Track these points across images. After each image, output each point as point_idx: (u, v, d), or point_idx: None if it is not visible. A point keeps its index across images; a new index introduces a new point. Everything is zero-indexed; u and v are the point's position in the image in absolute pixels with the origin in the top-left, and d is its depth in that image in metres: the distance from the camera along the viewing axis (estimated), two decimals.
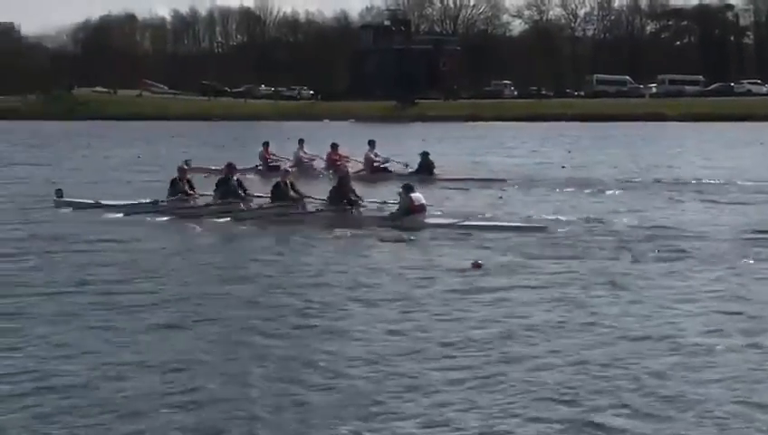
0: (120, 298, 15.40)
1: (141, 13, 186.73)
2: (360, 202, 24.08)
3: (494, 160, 46.41)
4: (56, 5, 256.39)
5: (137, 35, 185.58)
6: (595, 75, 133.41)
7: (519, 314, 14.09)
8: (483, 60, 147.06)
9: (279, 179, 25.29)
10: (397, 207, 23.15)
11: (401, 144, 56.43)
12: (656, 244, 20.09)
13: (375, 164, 36.35)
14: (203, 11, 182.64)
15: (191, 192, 26.05)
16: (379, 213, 23.72)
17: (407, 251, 20.04)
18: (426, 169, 35.01)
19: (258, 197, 25.89)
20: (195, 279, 17.21)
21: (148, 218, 24.56)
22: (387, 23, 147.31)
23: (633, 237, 20.90)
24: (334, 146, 37.96)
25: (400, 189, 23.47)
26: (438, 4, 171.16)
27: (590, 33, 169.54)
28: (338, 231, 22.39)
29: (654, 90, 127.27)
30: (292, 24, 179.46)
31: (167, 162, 36.38)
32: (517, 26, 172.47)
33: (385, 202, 24.46)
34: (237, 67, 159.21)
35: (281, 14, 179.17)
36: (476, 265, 17.61)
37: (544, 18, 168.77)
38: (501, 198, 29.56)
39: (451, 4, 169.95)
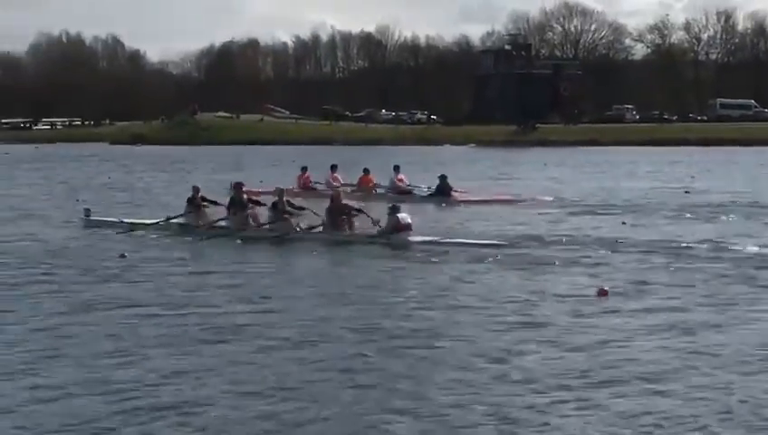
0: (210, 320, 15.64)
1: (264, 38, 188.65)
2: (353, 220, 25.71)
3: (613, 185, 45.96)
4: (180, 32, 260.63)
5: (259, 61, 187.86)
6: (718, 99, 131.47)
7: (627, 342, 13.90)
8: (604, 84, 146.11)
9: (276, 199, 26.56)
10: (383, 226, 24.79)
11: (521, 168, 56.28)
12: None
13: (401, 186, 38.24)
14: (324, 36, 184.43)
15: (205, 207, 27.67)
16: (370, 231, 25.07)
17: (514, 277, 19.86)
18: (443, 191, 36.71)
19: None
20: (295, 301, 17.30)
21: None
22: (508, 47, 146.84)
23: (755, 264, 20.60)
24: (366, 171, 39.63)
25: (388, 210, 25.12)
26: (559, 29, 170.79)
27: (713, 56, 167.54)
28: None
29: None
30: (412, 48, 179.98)
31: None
32: (639, 50, 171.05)
33: (378, 220, 25.17)
34: (358, 91, 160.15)
35: (401, 38, 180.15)
36: (603, 293, 17.36)
37: (667, 42, 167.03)
38: (624, 223, 29.30)
39: (572, 29, 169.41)
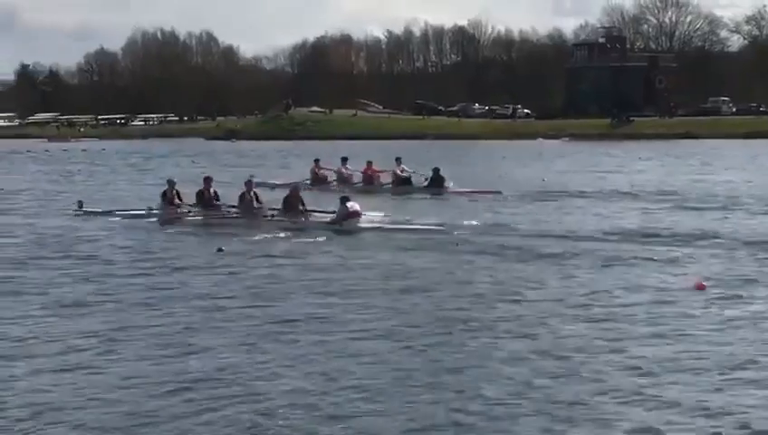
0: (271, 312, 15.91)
1: (356, 33, 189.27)
2: (306, 210, 28.21)
3: (709, 178, 45.45)
4: (274, 27, 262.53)
5: (352, 56, 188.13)
6: None
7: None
8: (700, 76, 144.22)
9: (244, 191, 28.89)
10: (335, 213, 27.45)
11: (615, 162, 55.83)
12: None
13: (402, 176, 40.21)
14: (417, 31, 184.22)
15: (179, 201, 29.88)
16: (323, 219, 27.70)
17: (614, 271, 19.72)
18: (436, 182, 38.61)
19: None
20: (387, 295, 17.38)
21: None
22: (602, 40, 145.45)
23: None
24: (369, 163, 41.45)
25: (340, 200, 27.90)
26: (654, 21, 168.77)
27: None
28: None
29: None
30: (505, 42, 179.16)
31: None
32: (735, 42, 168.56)
33: (324, 211, 28.15)
34: (451, 86, 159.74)
35: (494, 32, 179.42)
36: (700, 286, 17.19)
37: (764, 33, 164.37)
38: (726, 217, 28.97)
39: (667, 21, 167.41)
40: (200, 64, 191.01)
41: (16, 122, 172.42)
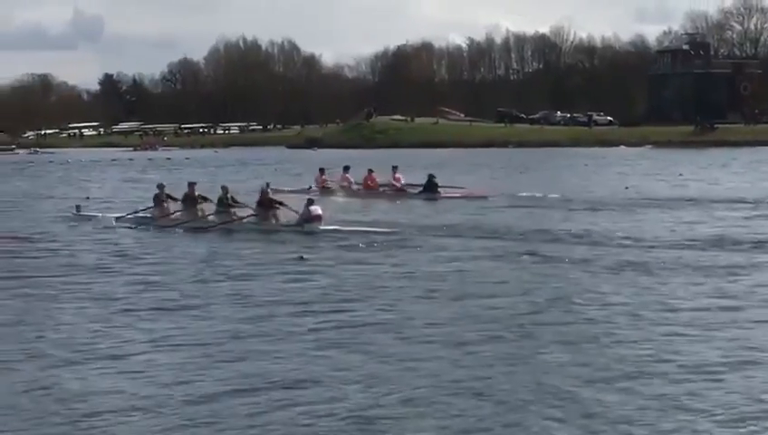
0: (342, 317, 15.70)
1: (438, 41, 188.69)
2: (277, 212, 29.82)
3: None
4: (356, 36, 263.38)
5: (433, 63, 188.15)
6: None
7: None
8: None
9: (221, 194, 30.73)
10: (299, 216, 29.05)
11: (699, 169, 55.19)
12: None
13: (397, 184, 42.29)
14: (498, 38, 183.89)
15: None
16: (287, 220, 29.40)
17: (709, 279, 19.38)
18: (431, 188, 40.62)
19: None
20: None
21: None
22: (686, 47, 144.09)
23: None
24: (370, 171, 43.41)
25: (305, 202, 29.46)
26: (738, 27, 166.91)
27: None
28: None
29: None
30: (588, 49, 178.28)
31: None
32: None
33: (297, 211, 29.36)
34: (532, 93, 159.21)
35: (576, 39, 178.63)
36: None
37: None
38: None
39: (752, 27, 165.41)
40: (282, 73, 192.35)
41: (101, 131, 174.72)
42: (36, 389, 12.07)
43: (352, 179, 43.74)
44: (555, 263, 21.66)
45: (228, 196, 30.82)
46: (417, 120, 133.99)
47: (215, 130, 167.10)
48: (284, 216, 29.70)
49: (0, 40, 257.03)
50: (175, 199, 31.93)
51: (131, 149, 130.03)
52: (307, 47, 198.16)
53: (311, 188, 42.56)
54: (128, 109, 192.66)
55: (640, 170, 59.52)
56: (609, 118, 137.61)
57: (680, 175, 53.69)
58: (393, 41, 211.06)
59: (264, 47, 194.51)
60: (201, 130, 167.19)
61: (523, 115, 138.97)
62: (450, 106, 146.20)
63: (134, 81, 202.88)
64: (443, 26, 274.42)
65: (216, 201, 30.82)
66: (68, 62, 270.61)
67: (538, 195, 40.29)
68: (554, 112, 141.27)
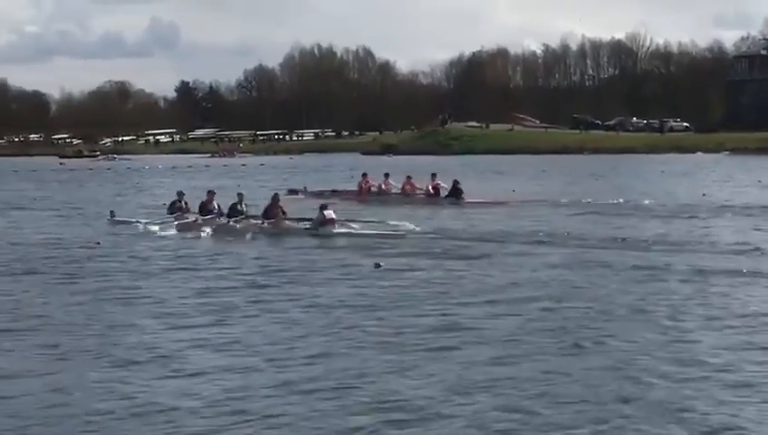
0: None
1: (513, 47, 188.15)
2: (285, 216, 31.37)
3: None
4: (430, 42, 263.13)
5: (508, 70, 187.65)
6: None
7: None
8: None
9: (235, 201, 32.34)
10: (312, 220, 30.52)
11: None
12: None
13: (429, 190, 44.17)
14: (574, 44, 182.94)
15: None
16: (301, 225, 30.76)
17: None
18: (455, 193, 42.44)
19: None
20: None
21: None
22: (764, 52, 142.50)
23: None
24: (408, 177, 45.56)
25: (319, 207, 31.01)
26: None
27: None
28: None
29: None
30: (664, 55, 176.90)
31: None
32: None
33: (302, 218, 31.41)
34: (608, 99, 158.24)
35: (653, 45, 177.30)
36: None
37: None
38: None
39: None
40: (357, 79, 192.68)
41: (176, 138, 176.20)
42: (105, 386, 12.24)
43: (392, 184, 46.35)
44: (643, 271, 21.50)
45: (243, 203, 32.44)
46: (493, 126, 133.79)
47: (290, 137, 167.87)
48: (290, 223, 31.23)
49: (79, 48, 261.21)
50: (188, 209, 33.69)
51: (208, 155, 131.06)
52: (382, 54, 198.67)
53: (355, 190, 46.80)
54: (203, 116, 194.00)
55: (717, 177, 58.88)
56: (685, 124, 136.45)
57: (759, 181, 53.10)
58: (468, 47, 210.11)
59: (339, 54, 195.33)
60: (276, 136, 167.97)
61: (598, 122, 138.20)
62: (525, 112, 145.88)
63: (210, 88, 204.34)
64: (518, 32, 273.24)
65: (228, 208, 32.33)
66: (145, 70, 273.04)
67: (615, 201, 40.28)
68: (630, 119, 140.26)
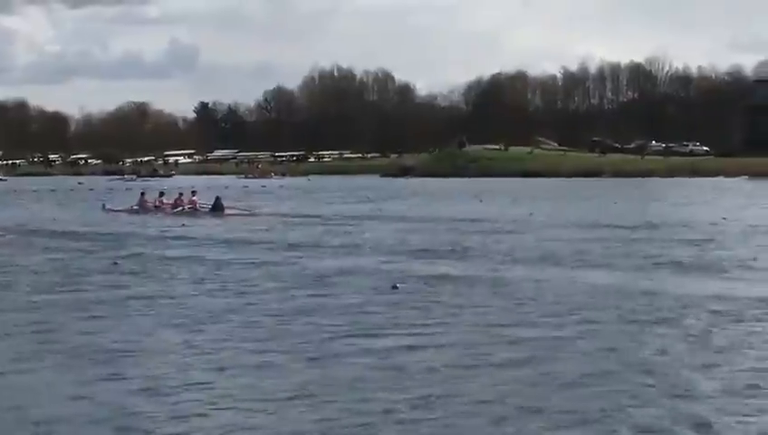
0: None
1: (532, 70, 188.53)
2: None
3: None
4: (449, 65, 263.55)
5: (527, 93, 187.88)
6: None
7: None
8: None
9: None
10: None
11: None
12: None
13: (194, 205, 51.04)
14: (593, 67, 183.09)
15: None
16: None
17: None
18: (216, 208, 48.72)
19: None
20: None
21: None
22: None
23: None
24: (162, 193, 53.11)
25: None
26: None
27: None
28: None
29: None
30: (683, 79, 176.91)
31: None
32: None
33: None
34: (627, 123, 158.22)
35: (672, 69, 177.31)
36: None
37: None
38: None
39: None
40: (376, 101, 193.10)
41: (197, 159, 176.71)
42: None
43: (166, 202, 52.11)
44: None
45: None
46: (512, 149, 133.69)
47: (308, 158, 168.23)
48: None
49: (99, 69, 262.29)
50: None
51: (242, 176, 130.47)
52: (401, 76, 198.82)
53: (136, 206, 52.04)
54: (223, 137, 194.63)
55: (739, 202, 58.58)
56: (705, 148, 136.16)
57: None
58: (487, 70, 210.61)
59: (358, 76, 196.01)
60: (295, 158, 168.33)
61: (617, 145, 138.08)
62: (544, 135, 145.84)
63: (229, 109, 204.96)
64: (537, 55, 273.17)
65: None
66: (164, 91, 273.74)
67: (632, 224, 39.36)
68: (649, 142, 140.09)
